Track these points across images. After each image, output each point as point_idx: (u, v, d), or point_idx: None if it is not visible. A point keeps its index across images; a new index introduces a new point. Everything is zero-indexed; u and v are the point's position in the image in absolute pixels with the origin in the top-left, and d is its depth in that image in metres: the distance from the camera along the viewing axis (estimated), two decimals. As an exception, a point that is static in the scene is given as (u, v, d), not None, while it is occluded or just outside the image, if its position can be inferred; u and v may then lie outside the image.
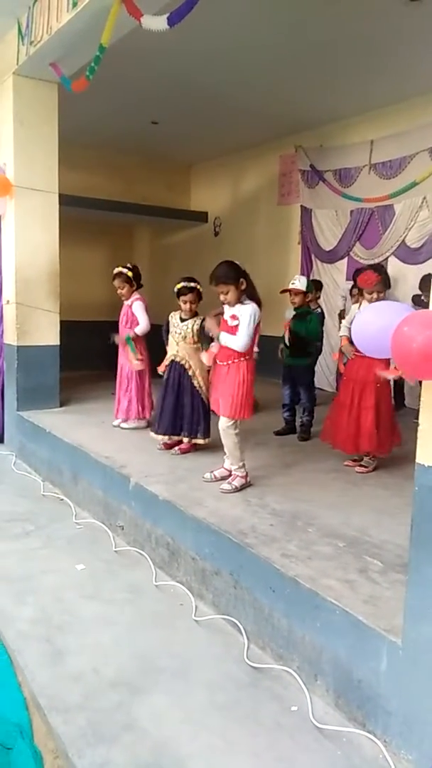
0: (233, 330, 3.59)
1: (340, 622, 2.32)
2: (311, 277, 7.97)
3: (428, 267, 6.34)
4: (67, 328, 6.07)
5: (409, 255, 6.69)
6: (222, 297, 3.63)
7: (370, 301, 4.03)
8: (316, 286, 6.61)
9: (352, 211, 7.31)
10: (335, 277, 7.65)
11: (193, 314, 4.37)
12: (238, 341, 3.55)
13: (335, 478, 4.00)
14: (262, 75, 6.03)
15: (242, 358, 3.61)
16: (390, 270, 7.11)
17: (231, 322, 3.61)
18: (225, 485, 3.64)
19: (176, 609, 3.06)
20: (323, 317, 6.58)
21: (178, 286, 4.36)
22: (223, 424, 3.67)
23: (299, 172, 7.98)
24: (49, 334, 5.87)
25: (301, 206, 8.03)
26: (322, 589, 2.44)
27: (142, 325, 5.08)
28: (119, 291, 5.18)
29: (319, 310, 6.41)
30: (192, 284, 4.33)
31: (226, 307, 3.69)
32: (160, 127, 7.94)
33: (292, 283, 5.03)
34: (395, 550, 2.83)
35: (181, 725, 2.23)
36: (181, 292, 4.33)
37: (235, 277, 3.56)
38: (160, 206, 9.31)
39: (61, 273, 5.91)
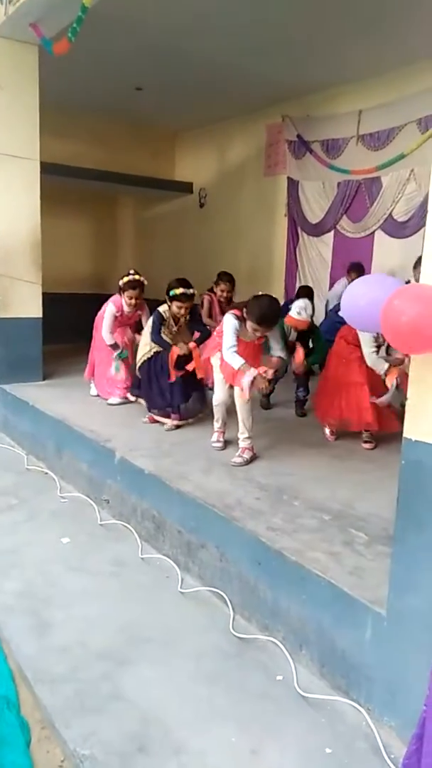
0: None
1: (325, 594, 2.34)
2: (296, 251, 7.91)
3: (415, 240, 6.30)
4: (50, 300, 5.96)
5: (396, 229, 6.65)
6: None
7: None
8: (307, 293, 6.49)
9: (339, 183, 7.24)
10: (321, 251, 7.59)
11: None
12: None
13: (321, 452, 4.01)
14: (248, 41, 5.88)
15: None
16: (376, 244, 7.04)
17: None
18: (236, 458, 3.64)
19: (162, 581, 3.08)
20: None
21: (178, 292, 4.17)
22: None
23: (286, 143, 7.85)
24: (31, 306, 5.77)
25: (288, 177, 7.92)
26: (308, 562, 2.46)
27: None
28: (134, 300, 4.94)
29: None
30: (191, 291, 4.22)
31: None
32: (144, 93, 7.74)
33: (299, 314, 4.31)
34: (380, 522, 2.85)
35: (167, 695, 2.25)
36: (177, 299, 4.18)
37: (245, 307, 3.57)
38: (144, 176, 9.12)
39: (43, 244, 5.78)
